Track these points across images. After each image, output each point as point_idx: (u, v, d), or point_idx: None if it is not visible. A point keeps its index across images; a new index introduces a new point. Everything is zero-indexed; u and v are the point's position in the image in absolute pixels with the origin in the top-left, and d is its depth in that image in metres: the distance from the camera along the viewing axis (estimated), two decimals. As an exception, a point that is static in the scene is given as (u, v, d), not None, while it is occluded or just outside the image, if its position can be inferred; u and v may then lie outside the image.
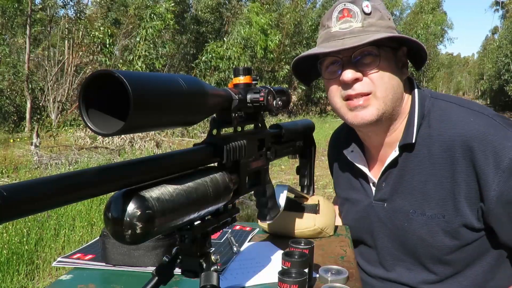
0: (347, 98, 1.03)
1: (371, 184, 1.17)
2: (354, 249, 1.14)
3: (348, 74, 1.00)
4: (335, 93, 1.05)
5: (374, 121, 1.02)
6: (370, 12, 1.01)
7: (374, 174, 1.15)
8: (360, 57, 1.00)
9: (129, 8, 13.08)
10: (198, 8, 15.99)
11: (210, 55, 12.57)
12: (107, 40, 10.50)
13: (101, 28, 10.75)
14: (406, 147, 1.06)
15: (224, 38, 13.85)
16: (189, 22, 15.97)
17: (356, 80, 1.00)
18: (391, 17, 1.07)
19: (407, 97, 1.09)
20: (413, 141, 1.04)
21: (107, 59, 10.48)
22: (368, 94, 1.01)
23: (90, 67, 10.98)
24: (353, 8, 1.01)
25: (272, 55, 15.10)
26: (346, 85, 1.01)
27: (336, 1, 1.06)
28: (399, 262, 1.11)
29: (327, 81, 1.08)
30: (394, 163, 1.09)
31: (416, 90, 1.09)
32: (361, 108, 1.02)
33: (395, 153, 1.07)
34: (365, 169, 1.16)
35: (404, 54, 1.07)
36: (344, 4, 1.02)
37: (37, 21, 11.98)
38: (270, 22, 14.32)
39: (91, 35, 10.55)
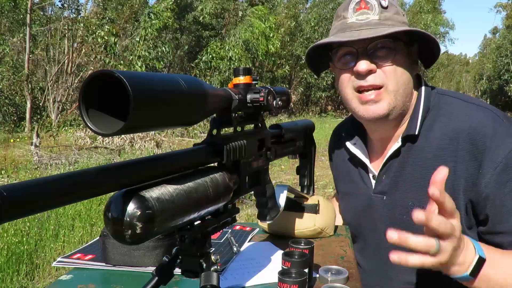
0: (359, 90, 1.03)
1: (371, 177, 1.17)
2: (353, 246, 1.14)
3: (363, 65, 1.00)
4: (347, 83, 1.05)
5: (385, 115, 1.03)
6: (387, 6, 1.02)
7: (375, 167, 1.16)
8: (375, 50, 1.01)
9: (124, 7, 13.06)
10: (201, 12, 15.97)
11: (210, 55, 12.57)
12: (112, 39, 10.46)
13: (107, 27, 10.70)
14: (409, 139, 1.07)
15: (226, 39, 13.86)
16: (191, 24, 15.97)
17: (370, 71, 1.01)
18: (405, 14, 1.08)
19: (415, 93, 1.10)
20: (416, 133, 1.05)
21: (110, 60, 10.45)
22: (380, 87, 1.01)
23: (92, 67, 10.96)
24: (370, 1, 1.01)
25: (273, 58, 15.13)
26: (360, 76, 1.02)
27: None
28: None
29: (339, 71, 1.08)
30: (396, 154, 1.09)
31: (423, 86, 1.10)
32: (373, 102, 1.02)
33: (397, 144, 1.08)
34: (366, 161, 1.16)
35: (415, 52, 1.08)
36: None
37: (36, 20, 11.98)
38: (273, 26, 14.34)
39: (96, 33, 10.48)
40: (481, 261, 0.83)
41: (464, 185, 0.98)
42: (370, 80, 1.01)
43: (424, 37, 1.03)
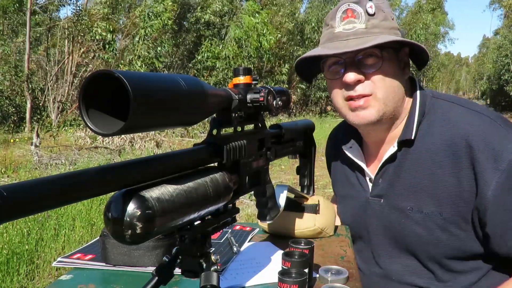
0: (349, 99, 1.04)
1: (368, 180, 1.17)
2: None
3: (351, 76, 1.00)
4: (337, 93, 1.07)
5: (374, 121, 1.04)
6: (374, 13, 1.01)
7: (371, 170, 1.16)
8: (362, 58, 1.01)
9: (132, 10, 13.08)
10: (203, 13, 15.92)
11: (206, 55, 12.54)
12: (109, 36, 10.44)
13: (103, 24, 10.68)
14: (405, 143, 1.07)
15: (223, 39, 13.86)
16: (191, 24, 15.97)
17: (358, 81, 1.01)
18: (394, 17, 1.07)
19: (409, 96, 1.10)
20: (412, 137, 1.05)
21: (109, 56, 10.43)
22: (369, 95, 1.02)
23: (91, 65, 10.95)
24: (357, 9, 1.01)
25: (268, 55, 15.00)
26: (348, 86, 1.02)
27: (340, 0, 1.06)
28: (395, 260, 1.11)
29: (329, 81, 1.09)
30: (392, 158, 1.09)
31: (418, 89, 1.10)
32: (362, 109, 1.03)
33: (393, 148, 1.08)
34: (362, 164, 1.17)
35: (406, 54, 1.08)
36: (348, 5, 1.02)
37: (38, 22, 11.99)
38: (265, 21, 14.22)
39: (93, 31, 10.48)
40: None
41: (464, 188, 0.98)
42: (359, 90, 1.02)
43: (412, 43, 1.04)
